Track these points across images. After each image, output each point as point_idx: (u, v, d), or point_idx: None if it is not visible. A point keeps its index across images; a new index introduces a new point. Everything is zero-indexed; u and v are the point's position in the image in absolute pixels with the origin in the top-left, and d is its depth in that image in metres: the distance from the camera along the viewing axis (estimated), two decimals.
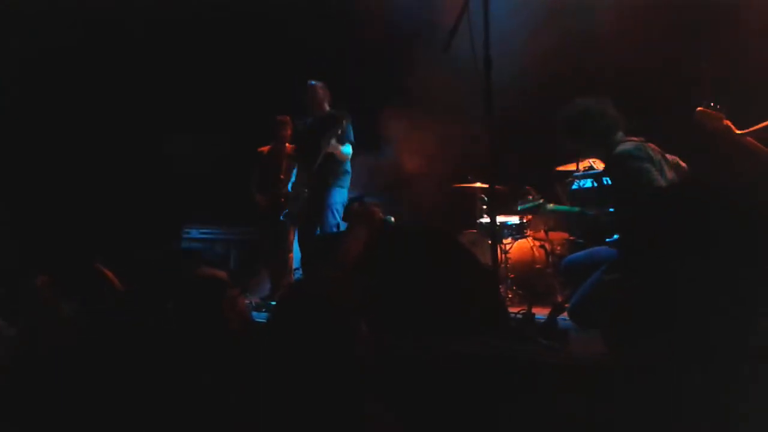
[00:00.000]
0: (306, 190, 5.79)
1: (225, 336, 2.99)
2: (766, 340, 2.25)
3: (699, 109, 4.15)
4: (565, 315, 3.48)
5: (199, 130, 7.15)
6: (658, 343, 2.36)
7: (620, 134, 3.83)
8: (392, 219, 3.20)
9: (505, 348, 2.80)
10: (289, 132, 6.47)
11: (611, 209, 3.99)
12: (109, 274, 3.44)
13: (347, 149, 5.62)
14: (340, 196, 5.69)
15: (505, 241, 5.76)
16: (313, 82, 5.88)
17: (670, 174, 3.77)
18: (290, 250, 6.44)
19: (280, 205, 6.32)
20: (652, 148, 3.78)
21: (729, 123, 4.09)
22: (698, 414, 2.11)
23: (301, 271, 5.98)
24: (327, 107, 5.87)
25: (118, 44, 7.12)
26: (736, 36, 5.22)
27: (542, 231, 5.84)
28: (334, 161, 5.63)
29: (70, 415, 2.36)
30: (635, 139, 3.82)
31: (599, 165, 5.06)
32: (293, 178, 6.24)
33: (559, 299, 4.07)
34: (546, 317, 3.19)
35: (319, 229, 5.70)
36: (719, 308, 2.33)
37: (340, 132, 5.51)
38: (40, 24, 6.78)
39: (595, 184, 4.79)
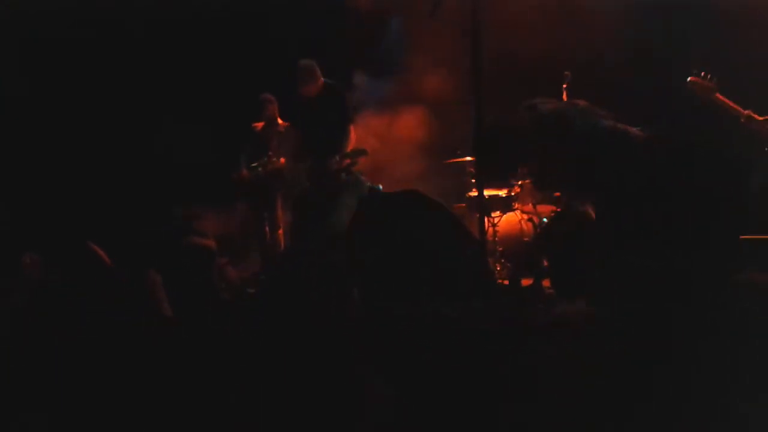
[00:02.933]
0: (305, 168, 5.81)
1: (215, 304, 3.03)
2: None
3: (691, 78, 4.22)
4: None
5: (185, 112, 7.12)
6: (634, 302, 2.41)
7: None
8: (380, 187, 3.21)
9: (493, 311, 2.85)
10: (276, 109, 6.47)
11: None
12: (99, 251, 3.46)
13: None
14: None
15: (493, 215, 5.79)
16: (303, 64, 5.84)
17: None
18: (279, 227, 6.45)
19: (268, 182, 6.33)
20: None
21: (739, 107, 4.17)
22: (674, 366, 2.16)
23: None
24: (320, 84, 5.84)
25: (106, 30, 7.07)
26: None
27: (530, 204, 5.87)
28: None
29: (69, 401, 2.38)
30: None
31: None
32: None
33: (545, 264, 4.13)
34: (532, 282, 3.25)
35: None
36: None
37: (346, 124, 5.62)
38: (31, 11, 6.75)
39: None
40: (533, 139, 3.82)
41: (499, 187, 5.90)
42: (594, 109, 3.78)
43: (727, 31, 5.32)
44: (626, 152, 3.43)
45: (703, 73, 4.26)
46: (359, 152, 5.60)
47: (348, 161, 5.48)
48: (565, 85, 5.14)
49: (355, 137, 5.76)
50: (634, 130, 3.60)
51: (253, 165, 6.39)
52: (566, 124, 3.61)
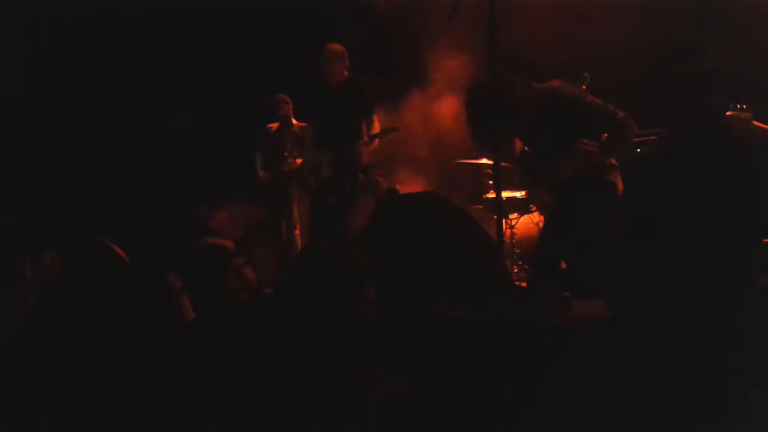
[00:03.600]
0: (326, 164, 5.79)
1: (232, 304, 3.01)
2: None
3: (728, 113, 4.25)
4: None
5: (200, 108, 7.14)
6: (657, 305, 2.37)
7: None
8: (398, 188, 3.19)
9: (508, 313, 2.82)
10: (288, 108, 6.47)
11: None
12: (116, 248, 3.45)
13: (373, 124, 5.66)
14: None
15: (511, 216, 5.76)
16: (333, 48, 5.76)
17: None
18: (295, 227, 6.46)
19: (285, 182, 6.34)
20: None
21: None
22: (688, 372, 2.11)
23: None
24: (344, 74, 5.78)
25: (117, 28, 7.10)
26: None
27: None
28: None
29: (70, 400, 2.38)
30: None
31: None
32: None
33: (563, 266, 4.11)
34: (549, 284, 3.21)
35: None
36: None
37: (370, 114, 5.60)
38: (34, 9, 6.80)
39: None
40: (526, 113, 3.74)
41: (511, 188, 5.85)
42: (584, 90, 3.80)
43: (742, 28, 5.28)
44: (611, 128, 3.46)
45: (738, 105, 4.31)
46: (390, 130, 5.49)
47: (377, 143, 5.39)
48: (584, 87, 5.11)
49: (379, 126, 5.73)
50: (621, 112, 3.61)
51: (271, 167, 6.41)
52: (558, 98, 3.62)
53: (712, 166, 1.58)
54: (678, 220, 1.62)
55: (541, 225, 5.69)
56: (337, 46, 5.77)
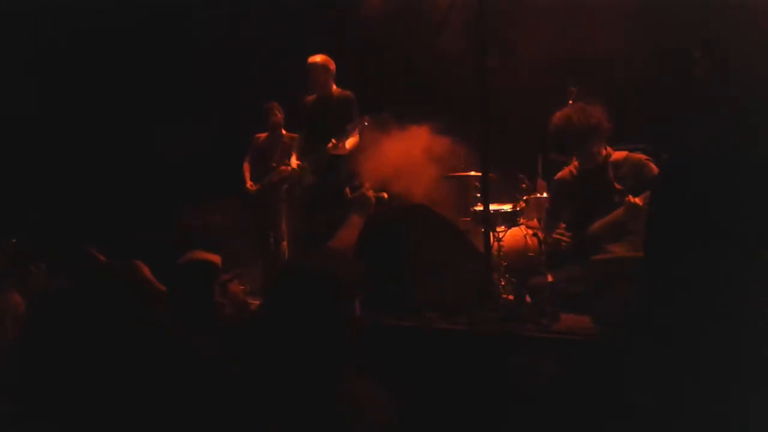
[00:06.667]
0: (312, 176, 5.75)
1: (218, 320, 3.00)
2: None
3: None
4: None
5: (194, 116, 7.12)
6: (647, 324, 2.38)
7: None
8: (385, 195, 3.17)
9: (496, 325, 2.83)
10: (279, 117, 6.45)
11: None
12: (101, 257, 3.44)
13: (356, 138, 5.54)
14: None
15: (498, 229, 5.76)
16: (316, 60, 5.67)
17: None
18: (283, 239, 6.44)
19: (271, 193, 6.32)
20: None
21: None
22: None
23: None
24: (332, 86, 5.71)
25: (109, 29, 7.09)
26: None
27: (535, 219, 5.84)
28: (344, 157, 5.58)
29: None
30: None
31: None
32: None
33: (549, 279, 4.12)
34: (537, 297, 3.23)
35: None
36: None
37: (352, 125, 5.45)
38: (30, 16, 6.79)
39: None
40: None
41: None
42: None
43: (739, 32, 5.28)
44: None
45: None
46: (358, 122, 5.41)
47: (344, 139, 5.35)
48: (570, 101, 5.14)
49: (357, 140, 5.61)
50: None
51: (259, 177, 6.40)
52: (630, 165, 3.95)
53: (722, 178, 1.58)
54: (695, 229, 1.62)
55: (529, 239, 5.73)
56: (320, 58, 5.68)
